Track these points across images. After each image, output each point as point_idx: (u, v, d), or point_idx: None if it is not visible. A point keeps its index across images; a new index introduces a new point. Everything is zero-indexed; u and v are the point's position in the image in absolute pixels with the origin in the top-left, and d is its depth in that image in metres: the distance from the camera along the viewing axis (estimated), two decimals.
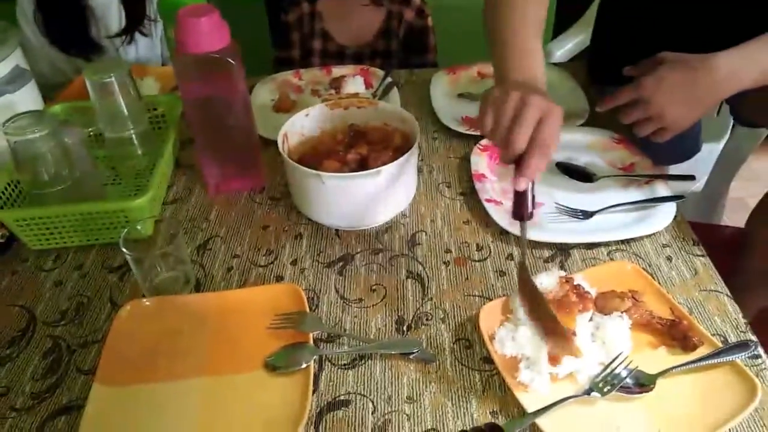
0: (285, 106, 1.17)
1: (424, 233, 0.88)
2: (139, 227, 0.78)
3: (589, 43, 1.26)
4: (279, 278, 0.82)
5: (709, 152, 1.47)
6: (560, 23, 1.86)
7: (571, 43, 1.73)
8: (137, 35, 1.41)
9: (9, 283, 0.82)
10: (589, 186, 0.93)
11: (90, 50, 1.41)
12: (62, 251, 0.87)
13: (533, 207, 0.71)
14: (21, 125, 0.80)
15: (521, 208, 0.70)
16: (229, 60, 0.85)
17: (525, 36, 0.83)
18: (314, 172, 0.80)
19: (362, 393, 0.66)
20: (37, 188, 0.84)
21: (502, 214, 0.87)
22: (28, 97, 0.95)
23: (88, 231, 0.85)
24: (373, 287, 0.79)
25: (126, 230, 0.75)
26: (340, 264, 0.83)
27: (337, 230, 0.89)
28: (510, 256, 0.83)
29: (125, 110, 0.93)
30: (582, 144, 1.01)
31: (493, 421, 0.62)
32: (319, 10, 1.48)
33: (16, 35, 0.95)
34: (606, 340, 0.65)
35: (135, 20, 1.39)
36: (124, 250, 0.73)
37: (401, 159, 0.82)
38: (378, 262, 0.83)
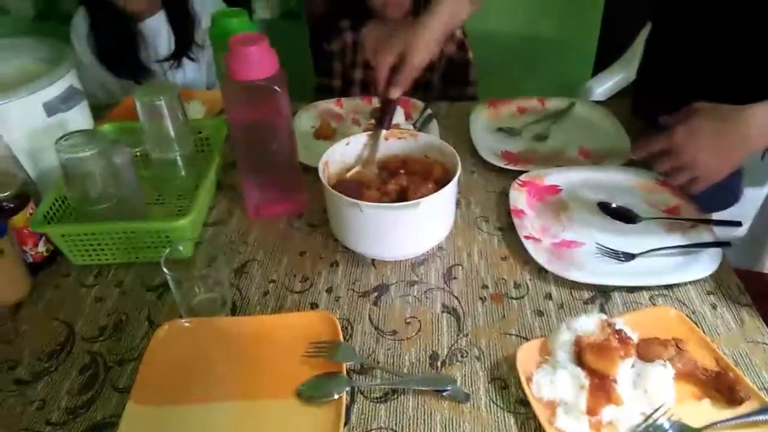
0: (325, 134, 1.18)
1: (460, 267, 0.87)
2: (180, 248, 0.79)
3: (635, 76, 1.25)
4: (314, 305, 0.82)
5: (755, 197, 1.43)
6: (601, 61, 1.86)
7: (612, 81, 1.72)
8: (185, 60, 1.46)
9: (51, 297, 0.84)
10: (631, 228, 0.92)
11: (139, 73, 1.46)
12: (104, 268, 0.88)
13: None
14: (73, 143, 0.82)
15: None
16: (276, 88, 0.87)
17: None
18: (353, 200, 0.81)
19: (394, 429, 0.65)
20: (83, 205, 0.86)
21: (540, 252, 0.86)
22: (79, 117, 0.99)
23: (130, 249, 0.87)
24: (408, 320, 0.79)
25: (168, 250, 0.76)
26: (375, 294, 0.83)
27: (373, 260, 0.89)
28: (549, 296, 0.81)
29: (172, 133, 0.96)
30: (624, 184, 1.00)
31: None
32: (362, 40, 1.50)
33: (71, 56, 0.99)
34: (648, 388, 0.63)
35: (183, 45, 1.44)
36: (164, 270, 0.74)
37: (441, 191, 0.82)
38: (413, 294, 0.83)
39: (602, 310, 0.79)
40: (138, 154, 1.02)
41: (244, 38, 0.85)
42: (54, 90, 0.92)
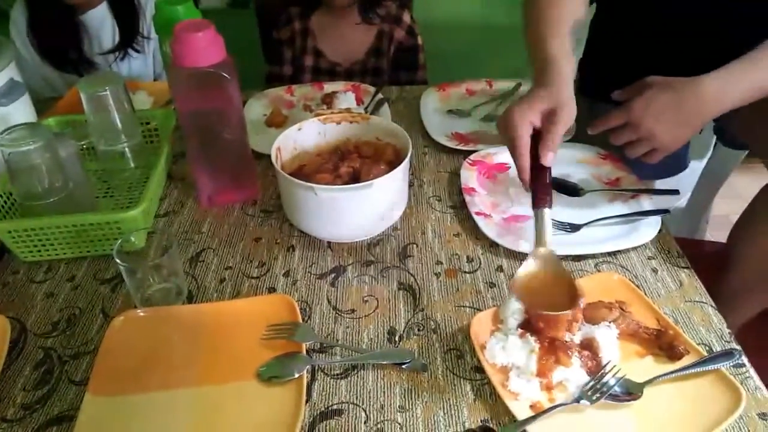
0: (277, 121, 1.18)
1: (415, 246, 0.89)
2: (132, 239, 0.78)
3: (582, 57, 1.29)
4: (271, 290, 0.82)
5: (693, 169, 1.50)
6: None
7: None
8: (130, 52, 1.42)
9: (0, 295, 0.82)
10: (576, 200, 0.95)
11: (83, 67, 1.42)
12: (54, 263, 0.87)
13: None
14: (16, 137, 0.80)
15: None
16: (225, 74, 0.86)
17: (552, 40, 0.83)
18: (307, 184, 0.81)
19: (355, 402, 0.66)
20: (29, 200, 0.84)
21: (491, 227, 0.89)
22: (22, 110, 0.96)
23: (80, 243, 0.85)
24: (366, 298, 0.80)
25: (119, 241, 0.75)
26: (333, 275, 0.84)
27: (329, 242, 0.90)
28: (500, 268, 0.84)
29: (119, 123, 0.94)
30: (570, 159, 1.03)
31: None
32: (311, 27, 1.50)
33: (10, 49, 0.96)
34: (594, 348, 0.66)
35: (128, 37, 1.41)
36: (117, 260, 0.74)
37: (393, 172, 0.83)
38: (370, 273, 0.84)
39: None
40: (84, 146, 1.00)
41: (190, 24, 0.84)
42: None
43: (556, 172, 1.00)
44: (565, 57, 0.82)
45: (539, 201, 0.73)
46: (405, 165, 0.85)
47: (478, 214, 0.91)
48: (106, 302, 0.80)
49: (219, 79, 0.86)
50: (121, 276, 0.82)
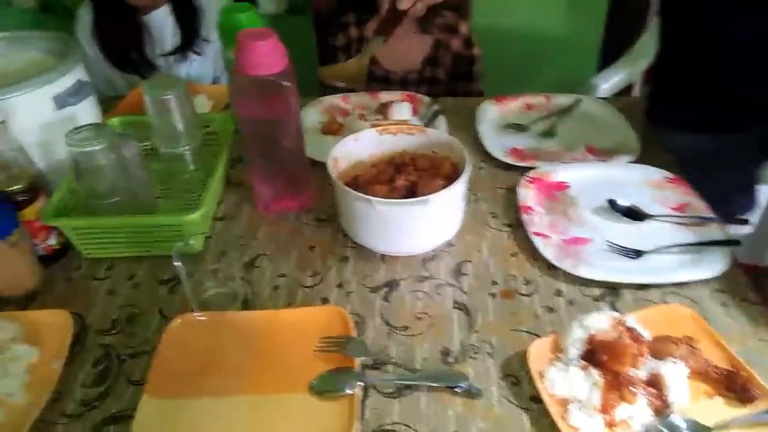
0: (333, 129, 1.18)
1: (470, 263, 0.87)
2: (191, 242, 0.79)
3: (647, 85, 1.24)
4: (324, 300, 0.82)
5: (761, 194, 1.43)
6: (606, 56, 1.86)
7: (617, 78, 1.72)
8: (190, 54, 1.45)
9: (63, 290, 0.84)
10: (639, 225, 0.92)
11: (144, 68, 1.45)
12: (115, 261, 0.88)
13: None
14: (83, 137, 0.82)
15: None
16: (285, 83, 0.87)
17: None
18: (365, 196, 0.81)
19: (407, 424, 0.65)
20: (94, 198, 0.86)
21: (549, 248, 0.86)
22: (88, 110, 0.98)
23: (141, 243, 0.87)
24: (419, 315, 0.79)
25: (179, 244, 0.76)
26: (386, 289, 0.83)
27: (382, 255, 0.89)
28: (559, 292, 0.82)
29: (181, 127, 0.96)
30: (633, 182, 1.00)
31: None
32: (366, 34, 1.50)
33: (79, 49, 0.99)
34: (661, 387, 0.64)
35: (189, 39, 1.43)
36: (176, 263, 0.75)
37: (451, 188, 0.82)
38: (424, 290, 0.83)
39: (613, 307, 0.79)
40: (146, 148, 1.01)
41: (254, 33, 0.84)
42: (63, 83, 0.92)
43: (617, 194, 0.97)
44: None
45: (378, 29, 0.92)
46: (463, 181, 0.84)
47: (536, 234, 0.89)
48: (164, 303, 0.82)
49: (279, 88, 0.87)
50: (179, 278, 0.83)
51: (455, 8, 1.56)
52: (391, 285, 0.84)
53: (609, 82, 1.72)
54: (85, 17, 1.46)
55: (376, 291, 0.83)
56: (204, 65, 1.48)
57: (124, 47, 1.44)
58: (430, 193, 0.86)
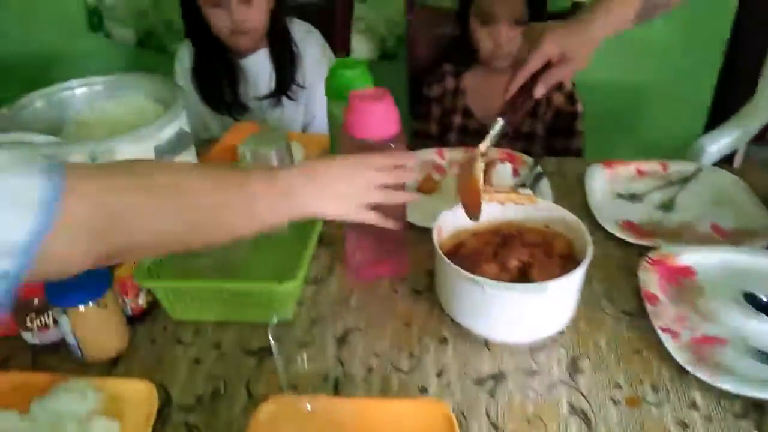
0: (428, 187, 1.12)
1: (587, 358, 0.78)
2: (286, 317, 0.74)
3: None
4: (423, 390, 0.74)
5: None
6: (715, 117, 1.73)
7: (728, 139, 1.59)
8: (284, 99, 1.43)
9: (147, 354, 0.80)
10: None
11: (237, 109, 1.45)
12: (201, 325, 0.84)
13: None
14: None
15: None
16: (395, 146, 0.81)
17: None
18: (474, 277, 0.74)
19: None
20: (188, 257, 0.83)
21: (680, 349, 0.76)
22: (186, 160, 0.96)
23: (231, 308, 0.82)
24: (530, 419, 0.70)
25: (275, 320, 0.71)
26: (492, 383, 0.75)
27: (486, 340, 0.81)
28: (693, 404, 0.71)
29: None
30: None
31: None
32: (463, 86, 1.44)
33: (183, 96, 0.97)
34: None
35: (285, 84, 1.42)
36: (271, 339, 0.69)
37: (572, 274, 0.74)
38: (534, 386, 0.74)
39: (759, 428, 0.68)
40: None
41: (366, 95, 0.80)
42: (166, 133, 0.90)
43: (756, 287, 0.86)
44: (616, 16, 0.83)
45: (501, 111, 0.85)
46: (584, 266, 0.75)
47: (664, 330, 0.79)
48: (251, 378, 0.76)
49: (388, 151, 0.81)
50: (267, 349, 0.77)
51: None
52: (498, 378, 0.75)
53: (718, 144, 1.58)
54: (184, 57, 1.47)
55: (480, 383, 0.75)
56: (295, 110, 1.46)
57: (219, 88, 1.44)
58: (545, 277, 0.78)
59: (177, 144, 0.92)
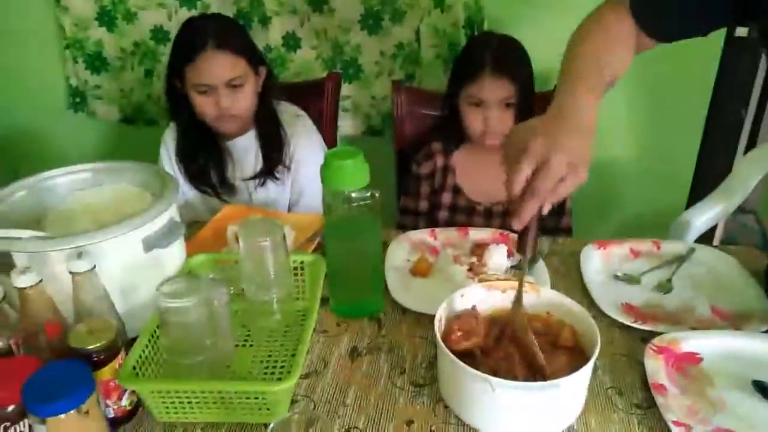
0: (422, 270, 1.10)
1: None
2: (277, 414, 0.69)
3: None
4: None
5: None
6: (697, 192, 1.76)
7: (712, 212, 1.61)
8: (270, 179, 1.42)
9: None
10: None
11: (223, 189, 1.43)
12: (189, 426, 0.79)
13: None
14: (175, 291, 0.76)
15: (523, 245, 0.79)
16: None
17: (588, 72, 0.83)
18: (482, 375, 0.71)
19: None
20: (176, 356, 0.79)
21: None
22: (176, 252, 0.93)
23: (221, 408, 0.77)
24: None
25: (271, 427, 0.66)
26: None
27: None
28: None
29: (272, 274, 0.89)
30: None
31: None
32: (452, 164, 1.45)
33: (175, 187, 0.95)
34: None
35: (271, 165, 1.41)
36: None
37: (584, 370, 0.71)
38: None
39: None
40: (232, 291, 0.95)
41: None
42: (155, 225, 0.87)
43: (762, 374, 0.84)
44: (592, 110, 0.80)
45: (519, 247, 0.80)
46: (593, 361, 0.73)
47: (676, 424, 0.76)
48: None
49: None
50: None
51: None
52: None
53: (702, 218, 1.61)
54: (169, 140, 1.46)
55: None
56: (282, 190, 1.45)
57: (206, 170, 1.42)
58: (553, 369, 0.76)
59: (167, 236, 0.88)
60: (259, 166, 1.42)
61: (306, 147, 1.44)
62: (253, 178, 1.41)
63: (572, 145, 0.73)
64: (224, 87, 1.32)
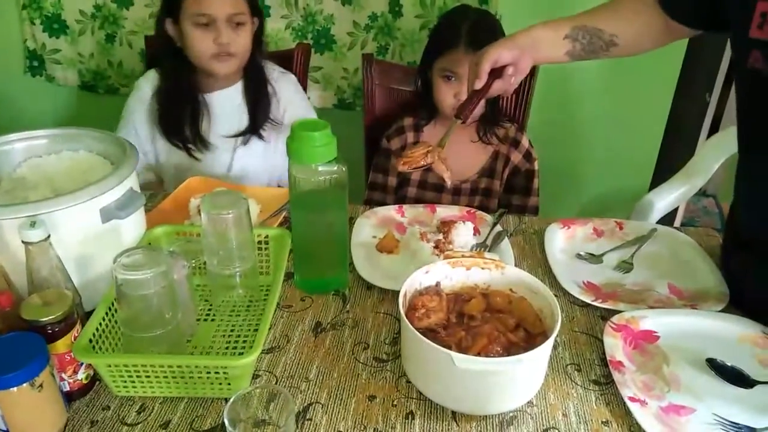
0: (389, 246, 1.09)
1: (556, 431, 0.75)
2: (239, 389, 0.68)
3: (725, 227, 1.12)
4: None
5: None
6: (660, 174, 1.79)
7: (673, 195, 1.64)
8: (253, 140, 1.39)
9: None
10: (746, 393, 0.80)
11: (198, 146, 1.38)
12: (148, 401, 0.77)
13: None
14: (133, 262, 0.74)
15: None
16: None
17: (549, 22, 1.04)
18: (444, 350, 0.71)
19: None
20: (135, 330, 0.77)
21: (648, 419, 0.75)
22: (135, 223, 0.91)
23: (181, 383, 0.76)
24: None
25: (232, 400, 0.66)
26: None
27: (453, 412, 0.77)
28: None
29: (235, 248, 0.87)
30: (729, 336, 0.89)
31: None
32: (423, 140, 1.44)
33: (135, 156, 0.92)
34: None
35: (258, 122, 1.38)
36: (227, 425, 0.64)
37: (543, 347, 0.72)
38: None
39: None
40: (194, 264, 0.93)
41: None
42: (113, 194, 0.84)
43: (715, 351, 0.86)
44: (543, 25, 1.04)
45: (458, 112, 1.04)
46: (553, 337, 0.74)
47: (632, 400, 0.77)
48: None
49: None
50: (220, 428, 0.72)
51: (516, 121, 1.51)
52: None
53: (665, 200, 1.64)
54: (145, 88, 1.41)
55: None
56: (265, 151, 1.41)
57: (181, 121, 1.38)
58: (513, 345, 0.77)
59: (125, 206, 0.85)
60: (244, 124, 1.38)
61: (300, 107, 1.42)
62: (237, 135, 1.38)
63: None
64: (225, 22, 1.28)
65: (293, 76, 1.49)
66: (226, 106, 1.40)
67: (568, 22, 1.03)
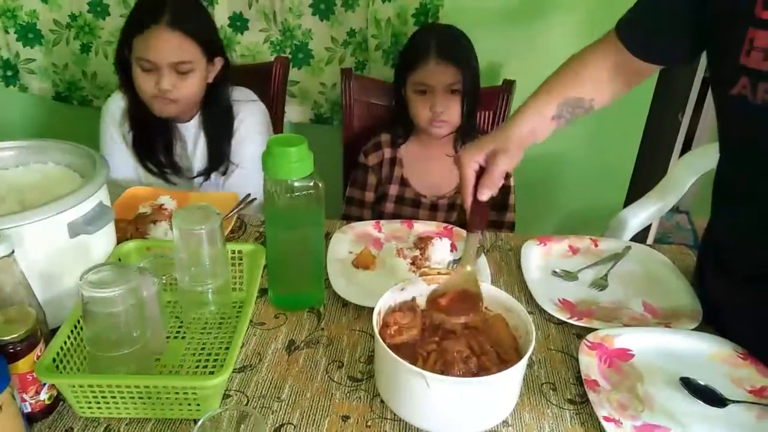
0: (365, 262, 1.08)
1: None
2: (208, 409, 0.67)
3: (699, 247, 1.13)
4: None
5: None
6: (635, 191, 1.82)
7: (647, 212, 1.66)
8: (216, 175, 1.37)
9: None
10: (718, 412, 0.81)
11: (169, 170, 1.36)
12: (113, 422, 0.75)
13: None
14: (100, 279, 0.72)
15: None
16: None
17: (535, 97, 0.94)
18: (418, 371, 0.70)
19: None
20: (100, 348, 0.74)
21: None
22: (104, 236, 0.88)
23: (148, 404, 0.74)
24: None
25: (200, 423, 0.64)
26: None
27: None
28: None
29: (207, 263, 0.85)
30: (702, 355, 0.90)
31: None
32: (400, 156, 1.44)
33: (105, 168, 0.90)
34: None
35: (217, 161, 1.36)
36: None
37: (518, 366, 0.72)
38: None
39: None
40: (164, 280, 0.91)
41: None
42: (82, 209, 0.82)
43: (688, 370, 0.87)
44: (531, 113, 0.92)
45: (472, 226, 0.87)
46: (528, 356, 0.74)
47: (607, 419, 0.77)
48: None
49: None
50: None
51: None
52: None
53: (638, 218, 1.66)
54: (114, 110, 1.38)
55: None
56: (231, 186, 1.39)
57: (153, 148, 1.35)
58: (488, 364, 0.76)
59: (94, 220, 0.83)
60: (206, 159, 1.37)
61: (251, 125, 1.38)
62: (196, 176, 1.36)
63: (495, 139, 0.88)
64: (168, 69, 1.24)
65: (262, 106, 1.44)
66: (191, 136, 1.39)
67: (553, 100, 0.93)
